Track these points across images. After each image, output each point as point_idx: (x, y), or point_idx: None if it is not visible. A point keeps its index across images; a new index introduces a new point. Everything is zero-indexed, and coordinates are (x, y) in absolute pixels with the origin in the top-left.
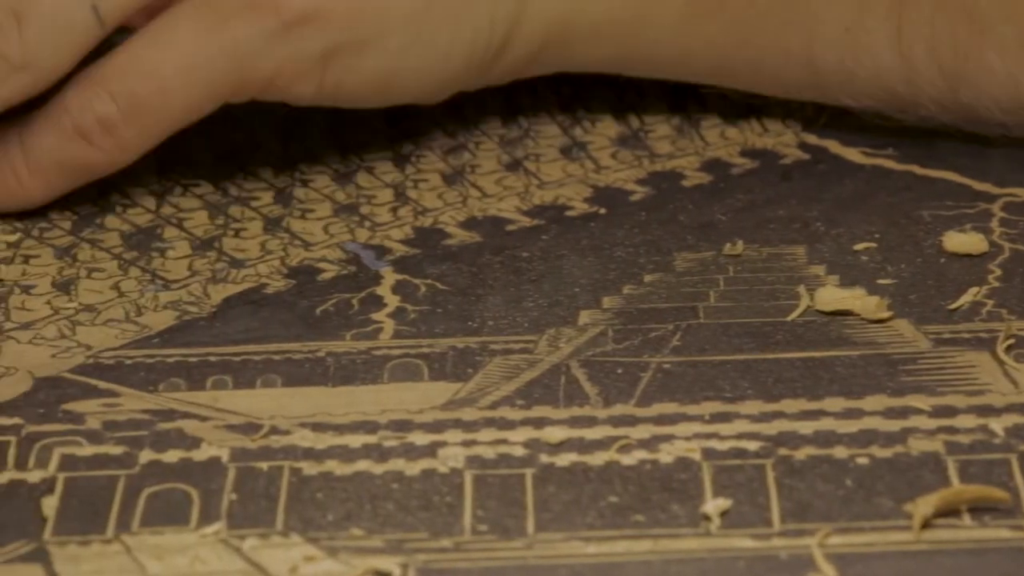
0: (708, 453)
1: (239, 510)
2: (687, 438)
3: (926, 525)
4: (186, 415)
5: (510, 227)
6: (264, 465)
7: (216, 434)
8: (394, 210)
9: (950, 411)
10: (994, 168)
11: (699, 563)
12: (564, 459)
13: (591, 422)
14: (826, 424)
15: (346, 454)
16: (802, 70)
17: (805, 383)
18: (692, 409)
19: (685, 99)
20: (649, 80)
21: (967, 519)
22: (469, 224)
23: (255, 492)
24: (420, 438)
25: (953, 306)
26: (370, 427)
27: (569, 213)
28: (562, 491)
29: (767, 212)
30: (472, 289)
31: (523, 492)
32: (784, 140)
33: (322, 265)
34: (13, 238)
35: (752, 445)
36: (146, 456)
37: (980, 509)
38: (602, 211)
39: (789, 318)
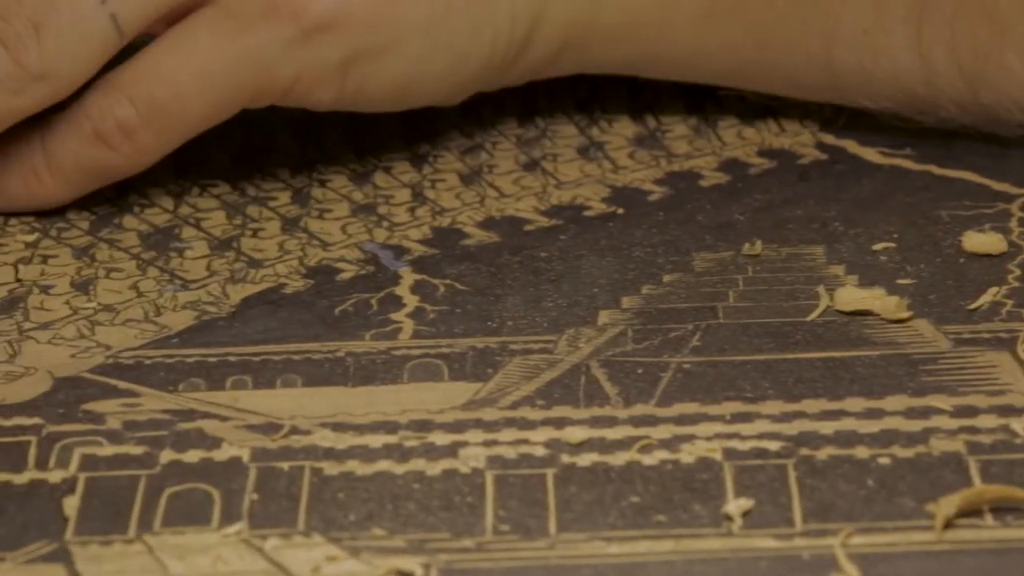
0: (729, 453)
1: (260, 510)
2: (708, 438)
3: (948, 525)
4: (206, 415)
5: (528, 227)
6: (285, 465)
7: (236, 434)
8: (412, 210)
9: (971, 411)
10: (1013, 168)
11: (721, 563)
12: (585, 459)
13: (612, 422)
14: (847, 424)
15: (367, 454)
16: (820, 72)
17: (826, 383)
18: (713, 409)
19: (702, 99)
20: (666, 81)
21: (989, 519)
22: (487, 224)
23: (276, 492)
24: (441, 438)
25: (973, 306)
26: (390, 427)
27: (587, 213)
28: (584, 491)
29: (785, 212)
30: (491, 289)
31: (544, 492)
32: (801, 140)
33: (340, 265)
34: (31, 238)
35: (773, 445)
36: (167, 456)
37: (1002, 509)
38: (620, 211)
39: (809, 318)
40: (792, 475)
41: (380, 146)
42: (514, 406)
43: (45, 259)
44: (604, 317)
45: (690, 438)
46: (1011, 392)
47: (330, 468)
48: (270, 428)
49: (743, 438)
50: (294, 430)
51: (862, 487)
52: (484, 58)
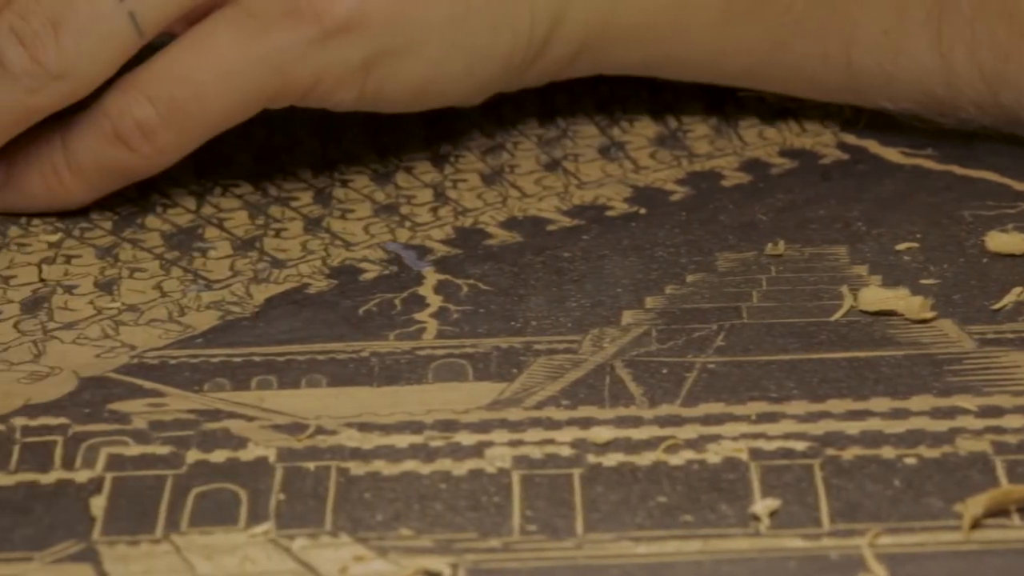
0: (755, 453)
1: (287, 510)
2: (734, 438)
3: (976, 525)
4: (232, 415)
5: (551, 227)
6: (311, 465)
7: (262, 434)
8: (434, 210)
9: (997, 411)
10: None
11: (750, 563)
12: (611, 459)
13: (637, 422)
14: (873, 424)
15: (393, 454)
16: (840, 74)
17: (851, 383)
18: (738, 409)
19: (722, 100)
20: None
21: (1016, 519)
22: (509, 224)
23: (303, 492)
24: (466, 438)
25: (997, 306)
26: (416, 427)
27: (609, 213)
28: (610, 491)
29: (808, 212)
30: (514, 289)
31: (571, 492)
32: (823, 140)
33: (364, 265)
34: (54, 238)
35: (799, 445)
36: (193, 456)
37: None
38: (642, 211)
39: (833, 318)
40: (819, 475)
41: (401, 146)
42: (539, 406)
43: (69, 259)
44: (628, 317)
45: (716, 438)
46: None
47: (356, 468)
48: (296, 428)
49: (769, 438)
50: (320, 430)
51: (889, 487)
52: (504, 58)
